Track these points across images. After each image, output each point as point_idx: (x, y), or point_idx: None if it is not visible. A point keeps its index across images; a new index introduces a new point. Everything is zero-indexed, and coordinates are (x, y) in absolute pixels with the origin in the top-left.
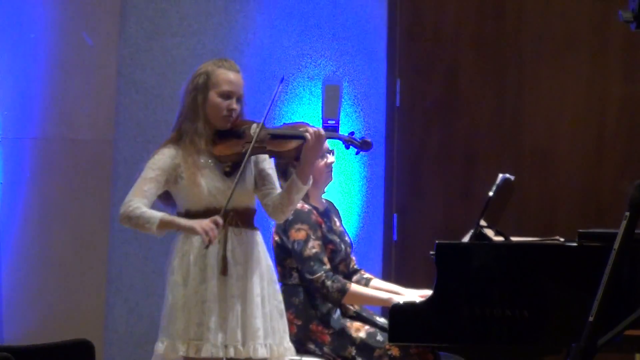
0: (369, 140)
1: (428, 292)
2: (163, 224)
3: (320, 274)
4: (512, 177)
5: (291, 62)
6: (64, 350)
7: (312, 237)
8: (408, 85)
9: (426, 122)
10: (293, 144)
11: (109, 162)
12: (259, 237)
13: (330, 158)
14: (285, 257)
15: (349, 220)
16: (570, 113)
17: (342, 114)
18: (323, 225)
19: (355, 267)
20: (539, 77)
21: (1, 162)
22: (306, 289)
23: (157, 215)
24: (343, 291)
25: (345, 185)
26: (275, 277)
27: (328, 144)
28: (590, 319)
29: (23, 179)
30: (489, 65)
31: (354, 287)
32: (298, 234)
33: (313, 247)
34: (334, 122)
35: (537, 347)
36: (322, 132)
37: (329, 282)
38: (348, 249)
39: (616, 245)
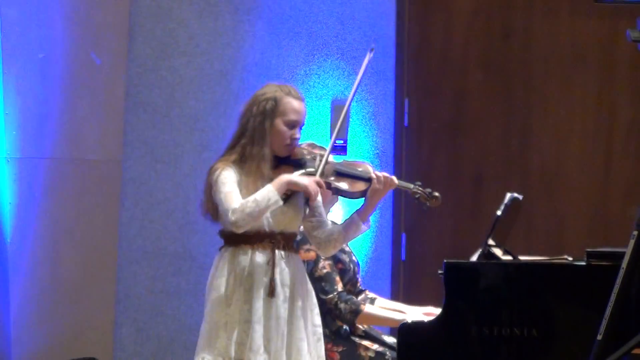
0: (437, 194)
1: (432, 310)
2: (280, 189)
3: (333, 295)
4: (520, 197)
5: (299, 82)
6: None
7: (321, 257)
8: (416, 105)
9: (434, 142)
10: (361, 185)
11: (117, 182)
12: (301, 261)
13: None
14: None
15: (358, 240)
16: (578, 133)
17: (350, 134)
18: None
19: (360, 287)
20: (546, 97)
21: (11, 182)
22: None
23: (267, 187)
24: (356, 312)
25: (354, 205)
26: (315, 301)
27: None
28: (599, 337)
29: (32, 199)
30: (497, 85)
31: (368, 308)
32: (307, 254)
33: (324, 267)
34: (342, 142)
35: None
36: (395, 181)
37: (342, 305)
38: (355, 269)
39: (624, 264)
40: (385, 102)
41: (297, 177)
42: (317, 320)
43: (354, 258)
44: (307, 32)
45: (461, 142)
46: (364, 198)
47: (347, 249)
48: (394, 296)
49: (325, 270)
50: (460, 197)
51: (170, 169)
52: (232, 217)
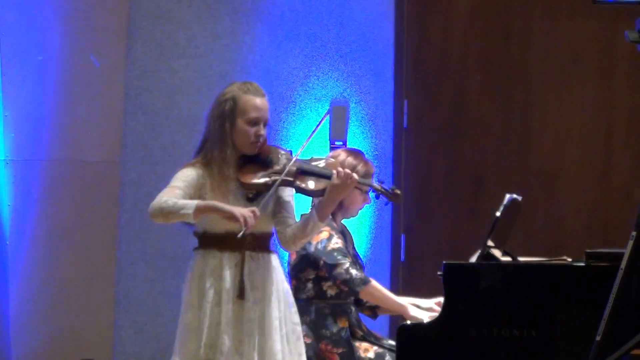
0: (399, 192)
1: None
2: (200, 208)
3: (345, 260)
4: (520, 198)
5: (298, 83)
6: None
7: (335, 235)
8: (415, 106)
9: (433, 143)
10: (322, 183)
11: (116, 184)
12: (275, 260)
13: (369, 200)
14: (303, 269)
15: (357, 241)
16: (577, 133)
17: (349, 136)
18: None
19: None
20: (545, 97)
21: (9, 184)
22: (317, 308)
23: (193, 201)
24: (365, 281)
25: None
26: (292, 300)
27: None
28: (598, 338)
29: (31, 201)
30: (496, 86)
31: (375, 282)
32: (320, 235)
33: (337, 242)
34: (341, 143)
35: None
36: (354, 177)
37: (353, 270)
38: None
39: (623, 265)
40: (384, 104)
41: (222, 205)
42: (296, 318)
43: (359, 261)
44: (306, 33)
45: (460, 143)
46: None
47: (351, 251)
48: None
49: (337, 245)
50: (460, 198)
51: (169, 170)
52: (151, 206)
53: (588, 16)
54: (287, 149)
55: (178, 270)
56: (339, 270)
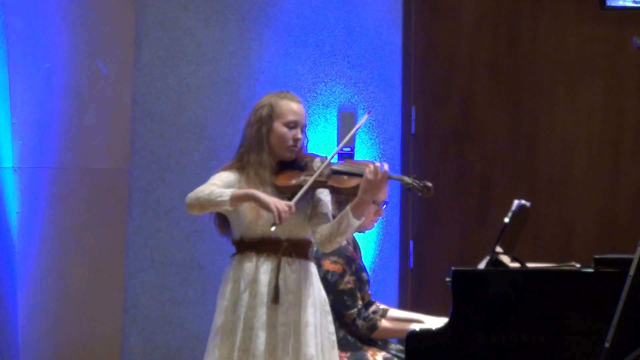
0: (430, 185)
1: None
2: (237, 195)
3: (353, 311)
4: (528, 203)
5: (306, 90)
6: None
7: (348, 272)
8: (423, 112)
9: (441, 149)
10: (354, 181)
11: (124, 191)
12: (313, 268)
13: (382, 212)
14: None
15: (365, 248)
16: (585, 139)
17: (357, 141)
18: (356, 260)
19: (370, 300)
20: (554, 103)
21: (18, 191)
22: None
23: (230, 189)
24: (373, 329)
25: None
26: (328, 309)
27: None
28: (607, 344)
29: (39, 208)
30: (504, 91)
31: (384, 324)
32: (333, 265)
33: (348, 282)
34: (349, 149)
35: None
36: (386, 170)
37: (359, 321)
38: (366, 286)
39: (632, 271)
40: (392, 110)
41: (263, 194)
42: (331, 327)
43: (364, 273)
44: (314, 40)
45: (468, 149)
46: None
47: (360, 262)
48: (402, 303)
49: (349, 286)
50: (468, 203)
51: (178, 177)
52: (187, 198)
53: (596, 21)
54: (324, 155)
55: (186, 278)
56: (346, 320)
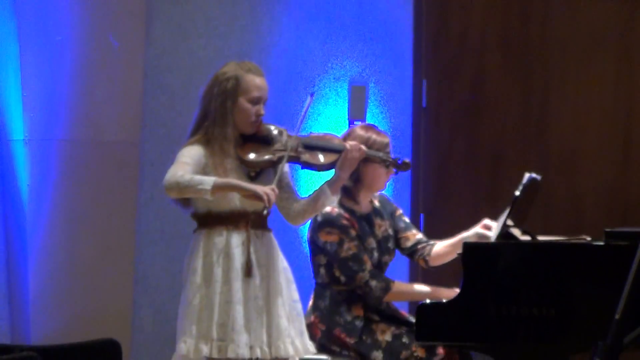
0: (408, 161)
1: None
2: (219, 185)
3: (363, 273)
4: (539, 177)
5: (317, 64)
6: (90, 350)
7: (346, 239)
8: (434, 86)
9: (452, 123)
10: (328, 157)
11: (135, 164)
12: (273, 238)
13: (392, 170)
14: (316, 254)
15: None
16: (596, 114)
17: (368, 115)
18: (356, 228)
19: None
20: (564, 78)
21: (28, 164)
22: (332, 294)
23: (211, 177)
24: (386, 289)
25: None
26: (291, 277)
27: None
28: (617, 317)
29: (50, 181)
30: (515, 66)
31: (397, 284)
32: (329, 236)
33: (349, 248)
34: (360, 123)
35: (564, 346)
36: (363, 148)
37: (372, 282)
38: (385, 257)
39: None
40: (402, 84)
41: (241, 182)
42: (295, 295)
43: (389, 245)
44: (325, 14)
45: (479, 123)
46: (333, 169)
47: (380, 234)
48: (413, 277)
49: (351, 252)
50: (479, 178)
51: None
52: (166, 176)
53: None
54: (283, 126)
55: None
56: (358, 283)
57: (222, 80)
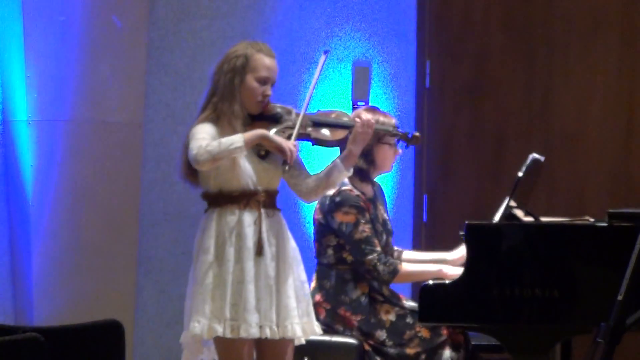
0: (418, 134)
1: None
2: (249, 139)
3: (373, 257)
4: (542, 158)
5: (320, 44)
6: (93, 331)
7: (362, 220)
8: (438, 66)
9: (456, 104)
10: (339, 133)
11: (139, 145)
12: (283, 218)
13: (399, 151)
14: (325, 234)
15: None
16: (599, 94)
17: (372, 96)
18: (370, 211)
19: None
20: (568, 58)
21: (31, 144)
22: (338, 273)
23: (237, 135)
24: (394, 273)
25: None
26: (300, 257)
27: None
28: (619, 298)
29: (54, 161)
30: (519, 46)
31: (405, 267)
32: (346, 216)
33: (363, 230)
34: (363, 103)
35: (567, 327)
36: (373, 122)
37: (380, 266)
38: (389, 238)
39: None
40: (406, 64)
41: (270, 134)
42: (303, 275)
43: (389, 227)
44: None
45: (482, 103)
46: (343, 146)
47: (381, 216)
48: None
49: (365, 234)
50: (482, 158)
51: None
52: (194, 151)
53: None
54: (290, 105)
55: None
56: (367, 267)
57: (232, 57)
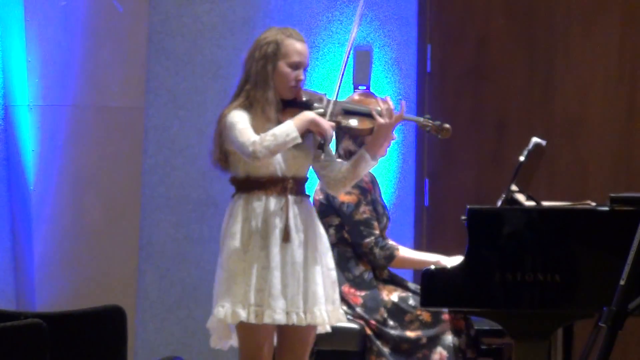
0: (448, 126)
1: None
2: (300, 127)
3: (370, 239)
4: (544, 142)
5: (321, 28)
6: (95, 316)
7: (363, 201)
8: (439, 51)
9: (457, 88)
10: (368, 122)
11: (140, 129)
12: (311, 204)
13: (394, 136)
14: (327, 214)
15: (381, 186)
16: (601, 78)
17: (373, 80)
18: (372, 192)
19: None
20: (569, 42)
21: (32, 129)
22: (340, 252)
23: (287, 123)
24: (391, 257)
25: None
26: (328, 244)
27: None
28: (622, 282)
29: (55, 146)
30: (520, 31)
31: (402, 252)
32: (348, 196)
33: (364, 212)
34: (364, 87)
35: (569, 312)
36: (401, 114)
37: (377, 250)
38: (387, 222)
39: None
40: (407, 48)
41: (316, 116)
42: (331, 263)
43: (386, 211)
44: None
45: (484, 88)
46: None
47: (379, 200)
48: (417, 242)
49: (365, 215)
50: (483, 142)
51: (193, 116)
52: (250, 148)
53: None
54: (321, 92)
55: (202, 215)
56: (364, 249)
57: (262, 44)
